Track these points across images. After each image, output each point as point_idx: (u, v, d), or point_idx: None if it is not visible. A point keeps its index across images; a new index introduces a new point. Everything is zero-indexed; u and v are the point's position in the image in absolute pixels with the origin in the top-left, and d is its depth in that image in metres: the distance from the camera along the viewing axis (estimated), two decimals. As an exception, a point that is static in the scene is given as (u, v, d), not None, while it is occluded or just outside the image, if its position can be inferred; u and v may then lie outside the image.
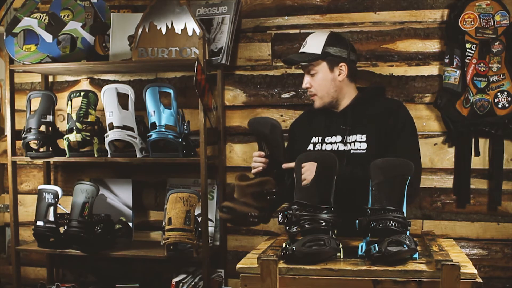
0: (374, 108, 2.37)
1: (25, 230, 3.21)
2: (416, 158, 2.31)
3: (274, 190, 2.23)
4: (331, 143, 2.37)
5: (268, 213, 2.24)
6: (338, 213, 1.91)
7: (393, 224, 1.77)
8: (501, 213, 2.77)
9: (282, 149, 2.33)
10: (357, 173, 2.17)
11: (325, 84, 2.37)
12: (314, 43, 2.38)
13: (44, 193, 2.81)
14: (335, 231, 1.89)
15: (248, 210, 2.18)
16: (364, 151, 2.29)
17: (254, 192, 2.20)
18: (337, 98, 2.39)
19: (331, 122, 2.41)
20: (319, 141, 2.40)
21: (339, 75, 2.37)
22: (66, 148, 2.83)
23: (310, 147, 2.42)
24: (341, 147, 2.35)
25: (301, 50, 2.42)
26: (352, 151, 2.31)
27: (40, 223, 2.79)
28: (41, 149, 2.97)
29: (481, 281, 1.62)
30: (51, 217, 2.78)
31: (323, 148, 2.38)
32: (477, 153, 2.76)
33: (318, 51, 2.35)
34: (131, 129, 2.75)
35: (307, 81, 2.40)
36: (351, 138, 2.34)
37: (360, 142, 2.32)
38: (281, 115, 2.94)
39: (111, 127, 2.74)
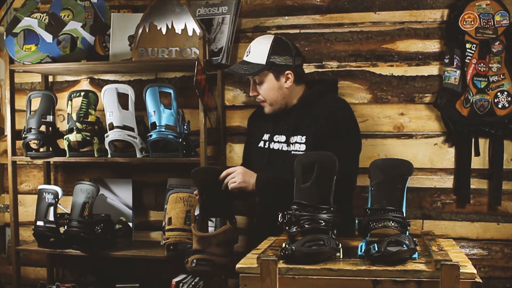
0: (317, 109, 2.40)
1: (25, 230, 3.21)
2: (346, 160, 2.12)
3: (236, 236, 2.35)
4: (278, 142, 2.44)
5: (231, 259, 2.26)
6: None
7: (393, 224, 1.77)
8: (501, 213, 2.76)
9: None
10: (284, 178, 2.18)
11: (273, 93, 2.41)
12: (258, 52, 2.38)
13: (44, 193, 2.81)
14: (335, 231, 1.89)
15: (222, 260, 2.27)
16: (303, 152, 2.33)
17: (219, 241, 2.28)
18: (285, 103, 2.44)
19: (278, 120, 2.45)
20: (268, 138, 2.47)
21: (285, 82, 2.40)
22: (66, 148, 2.83)
23: (261, 144, 2.49)
24: (285, 147, 2.40)
25: (245, 58, 2.43)
26: (293, 152, 2.36)
27: (40, 223, 2.79)
28: (41, 149, 2.97)
29: (481, 281, 1.62)
30: (51, 217, 2.78)
31: (271, 147, 2.45)
32: (477, 153, 2.75)
33: (263, 61, 2.36)
34: (131, 129, 2.75)
35: (253, 89, 2.44)
36: (293, 138, 2.39)
37: (300, 143, 2.37)
38: (281, 115, 2.95)
39: (111, 127, 2.74)
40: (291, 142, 2.39)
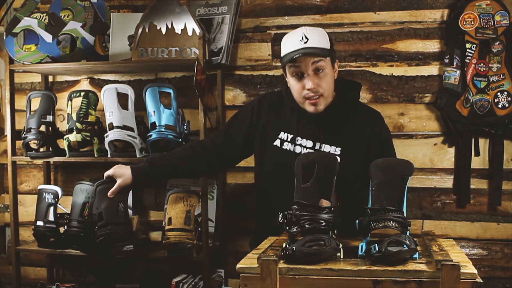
0: (352, 119, 2.22)
1: (25, 230, 3.21)
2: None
3: None
4: (301, 145, 2.20)
5: None
6: None
7: (393, 224, 1.77)
8: (501, 213, 2.77)
9: None
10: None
11: (332, 83, 2.18)
12: (318, 38, 2.13)
13: (44, 193, 2.81)
14: (335, 231, 1.89)
15: None
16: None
17: None
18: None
19: (303, 121, 2.21)
20: (288, 139, 2.22)
21: (335, 72, 2.21)
22: (66, 148, 2.83)
23: (277, 142, 2.23)
24: None
25: (305, 45, 2.10)
26: None
27: (40, 223, 2.79)
28: (41, 149, 2.97)
29: (481, 281, 1.62)
30: (51, 217, 2.78)
31: (292, 150, 2.20)
32: (477, 153, 2.76)
33: (327, 46, 2.13)
34: (131, 129, 2.75)
35: (314, 79, 2.13)
36: (324, 147, 2.19)
37: (334, 155, 2.16)
38: (281, 115, 2.94)
39: (111, 127, 2.74)
40: (321, 150, 2.17)
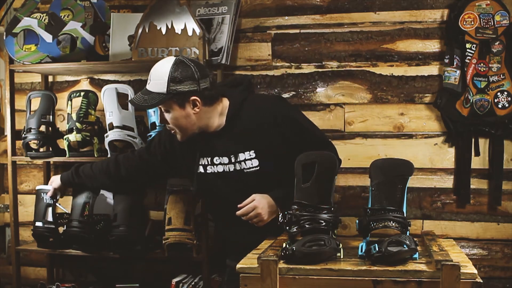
0: (250, 118, 2.25)
1: (25, 230, 3.21)
2: (324, 137, 2.39)
3: None
4: (221, 164, 2.28)
5: None
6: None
7: (394, 224, 1.77)
8: (501, 213, 2.77)
9: None
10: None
11: (181, 121, 2.21)
12: (158, 80, 2.16)
13: (42, 193, 2.80)
14: (335, 231, 1.89)
15: None
16: (257, 168, 2.24)
17: None
18: (199, 127, 2.25)
19: (211, 142, 2.29)
20: (209, 162, 2.30)
21: (193, 108, 2.19)
22: (66, 148, 2.83)
23: (201, 169, 2.32)
24: (231, 167, 2.26)
25: (147, 86, 2.21)
26: (245, 170, 2.25)
27: (39, 223, 2.78)
28: (41, 149, 2.97)
29: (481, 281, 1.62)
30: (49, 218, 2.77)
31: (216, 171, 2.29)
32: (477, 153, 2.76)
33: (163, 90, 2.14)
34: (131, 129, 2.75)
35: (162, 118, 2.24)
36: (239, 156, 2.25)
37: (251, 159, 2.24)
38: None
39: (111, 127, 2.74)
40: (238, 160, 2.25)
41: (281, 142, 2.24)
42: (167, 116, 2.22)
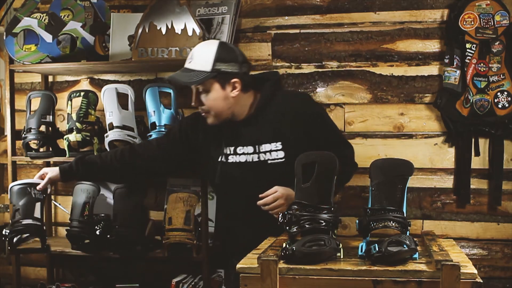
0: (279, 110, 2.28)
1: (25, 230, 3.21)
2: (345, 140, 2.44)
3: None
4: (244, 154, 2.29)
5: None
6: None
7: (394, 224, 1.77)
8: (501, 213, 2.77)
9: None
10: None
11: (218, 103, 2.23)
12: (202, 58, 2.20)
13: (28, 188, 2.64)
14: (335, 231, 1.89)
15: None
16: (283, 159, 2.24)
17: None
18: (233, 112, 2.27)
19: (236, 131, 2.30)
20: (231, 152, 2.30)
21: (232, 91, 2.23)
22: (66, 148, 2.83)
23: (222, 158, 2.31)
24: (255, 158, 2.27)
25: (187, 65, 2.23)
26: (269, 161, 2.25)
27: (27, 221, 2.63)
28: (41, 149, 2.97)
29: (481, 281, 1.62)
30: (37, 214, 2.64)
31: (237, 161, 2.29)
32: (477, 153, 2.76)
33: (207, 68, 2.18)
34: (131, 129, 2.75)
35: (197, 99, 2.25)
36: (264, 147, 2.26)
37: (277, 150, 2.25)
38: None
39: (111, 127, 2.74)
40: (262, 151, 2.26)
41: (305, 137, 2.26)
42: (204, 97, 2.24)
